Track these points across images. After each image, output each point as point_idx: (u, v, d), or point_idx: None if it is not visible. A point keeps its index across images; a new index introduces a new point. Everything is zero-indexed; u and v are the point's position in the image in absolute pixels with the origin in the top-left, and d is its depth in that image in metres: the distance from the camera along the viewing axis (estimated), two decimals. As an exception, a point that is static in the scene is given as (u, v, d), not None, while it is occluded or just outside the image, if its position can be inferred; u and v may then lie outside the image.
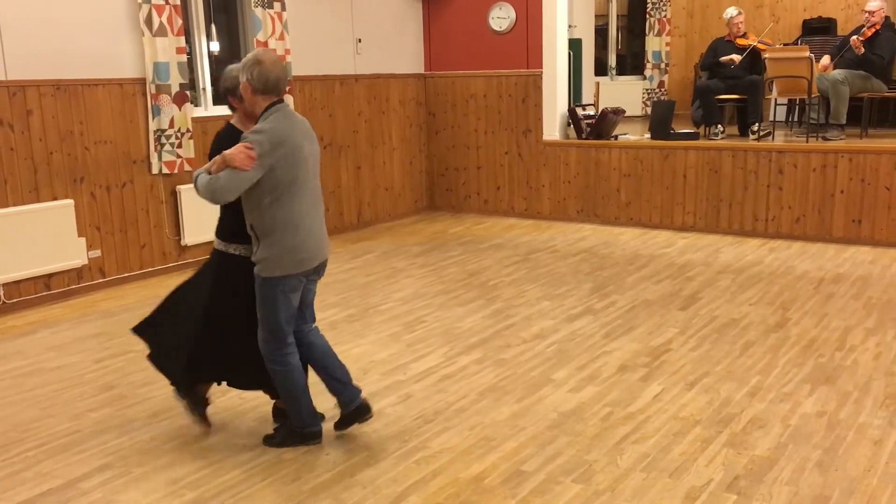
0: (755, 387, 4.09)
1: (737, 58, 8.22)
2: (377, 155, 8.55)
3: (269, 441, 3.59)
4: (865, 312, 5.22)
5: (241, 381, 3.72)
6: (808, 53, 7.54)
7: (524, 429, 3.68)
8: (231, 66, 3.46)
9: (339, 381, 3.55)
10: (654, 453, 3.42)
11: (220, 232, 3.50)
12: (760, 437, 3.53)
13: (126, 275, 6.38)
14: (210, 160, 3.31)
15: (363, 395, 3.60)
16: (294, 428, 3.56)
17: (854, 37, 7.72)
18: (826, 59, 7.93)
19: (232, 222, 3.41)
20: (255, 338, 3.44)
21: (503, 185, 8.80)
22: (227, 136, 3.42)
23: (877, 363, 4.36)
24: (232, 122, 3.50)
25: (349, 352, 4.67)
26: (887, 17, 7.82)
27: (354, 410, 3.56)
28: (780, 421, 3.69)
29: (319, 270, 3.51)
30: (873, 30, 7.66)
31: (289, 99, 7.37)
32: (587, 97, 10.28)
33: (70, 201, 5.96)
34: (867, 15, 7.71)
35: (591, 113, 8.56)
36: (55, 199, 5.90)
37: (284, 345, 3.41)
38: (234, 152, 3.15)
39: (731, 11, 8.41)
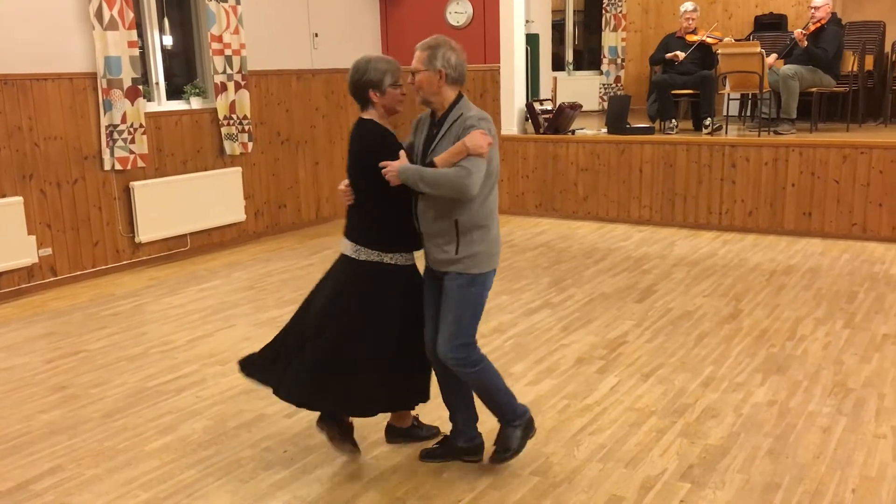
0: (708, 377, 4.16)
1: (681, 54, 8.34)
2: (335, 150, 8.50)
3: (430, 456, 3.38)
4: (815, 303, 5.34)
5: (411, 403, 3.43)
6: (759, 49, 7.67)
7: (483, 423, 3.68)
8: (370, 57, 3.11)
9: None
10: (610, 444, 3.46)
11: (376, 242, 3.19)
12: (713, 427, 3.60)
13: (78, 273, 6.26)
14: (363, 163, 3.08)
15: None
16: (457, 447, 3.34)
17: (798, 30, 7.88)
18: (773, 56, 8.08)
19: (395, 227, 3.17)
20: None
21: (462, 179, 8.80)
22: (382, 134, 3.11)
23: (826, 352, 4.47)
24: (366, 117, 3.15)
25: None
26: (834, 13, 7.99)
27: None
28: (733, 410, 3.76)
29: None
30: (818, 24, 7.82)
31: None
32: (545, 92, 10.32)
33: (19, 198, 5.82)
34: (812, 10, 7.88)
35: (549, 108, 8.61)
36: (4, 196, 5.76)
37: (475, 343, 3.15)
38: (479, 140, 2.91)
39: (687, 6, 8.50)
